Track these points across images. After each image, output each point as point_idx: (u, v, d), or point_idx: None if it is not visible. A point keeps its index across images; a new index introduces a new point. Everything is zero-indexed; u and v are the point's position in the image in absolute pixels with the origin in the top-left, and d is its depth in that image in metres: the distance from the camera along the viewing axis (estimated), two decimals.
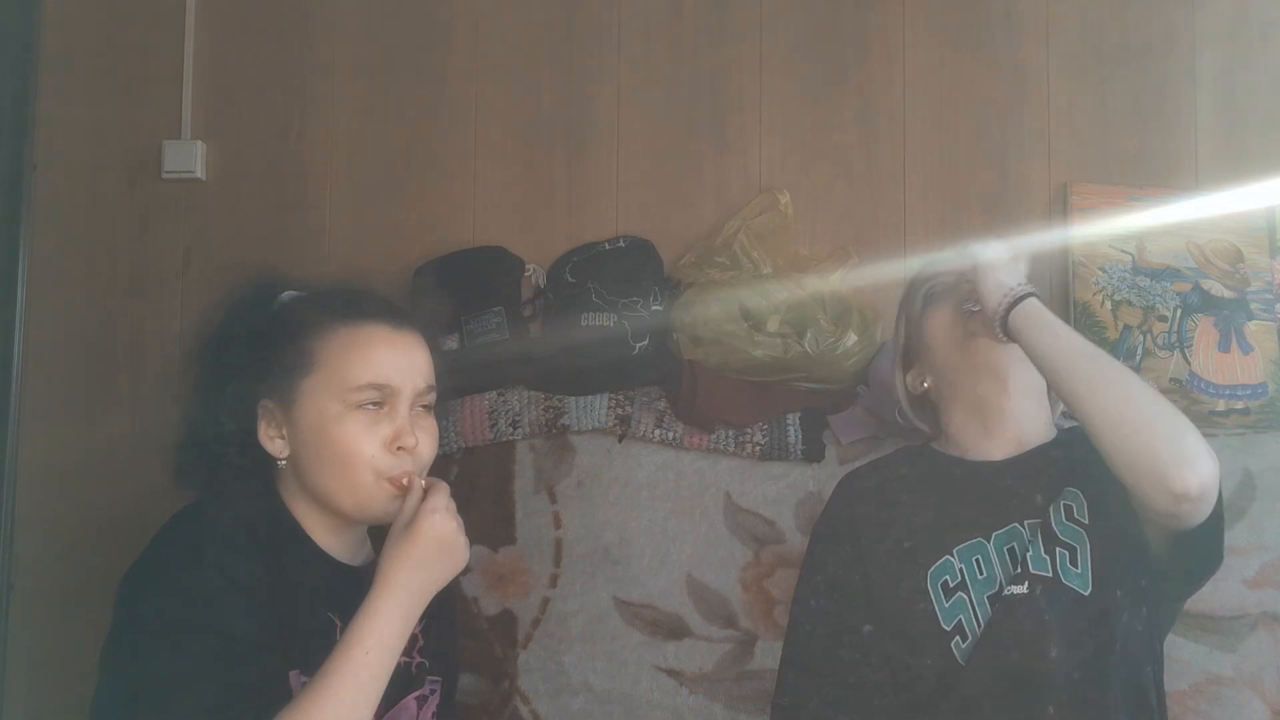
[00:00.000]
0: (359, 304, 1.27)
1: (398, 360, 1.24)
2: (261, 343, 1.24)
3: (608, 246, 1.89)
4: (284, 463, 1.24)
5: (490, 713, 1.81)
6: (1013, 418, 1.38)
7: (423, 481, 1.21)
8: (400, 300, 1.40)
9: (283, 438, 1.23)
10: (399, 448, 1.21)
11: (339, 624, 1.20)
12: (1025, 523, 1.32)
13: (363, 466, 1.20)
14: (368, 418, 1.21)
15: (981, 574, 1.31)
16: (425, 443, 1.24)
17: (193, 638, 1.09)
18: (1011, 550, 1.31)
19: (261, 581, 1.14)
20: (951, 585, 1.30)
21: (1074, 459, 1.33)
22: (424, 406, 1.27)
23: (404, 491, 1.21)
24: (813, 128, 1.95)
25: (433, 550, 1.15)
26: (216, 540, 1.15)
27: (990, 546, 1.32)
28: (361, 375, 1.21)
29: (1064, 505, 1.30)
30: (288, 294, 1.31)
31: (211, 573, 1.12)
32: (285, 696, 1.11)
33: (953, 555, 1.32)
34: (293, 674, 1.15)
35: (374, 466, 1.20)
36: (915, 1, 1.95)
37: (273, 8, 2.04)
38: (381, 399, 1.22)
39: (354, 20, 2.03)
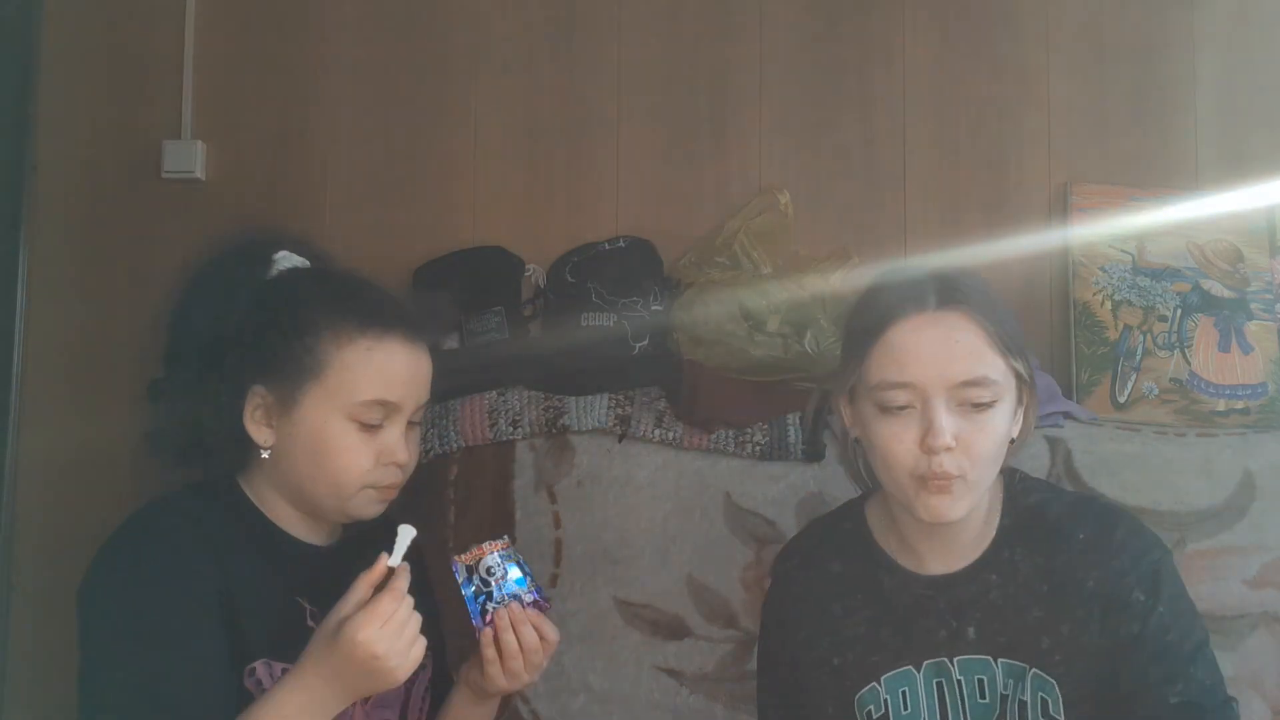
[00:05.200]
0: (379, 310, 1.23)
1: (408, 378, 1.22)
2: (267, 329, 1.19)
3: (608, 246, 1.89)
4: (267, 454, 1.20)
5: None
6: (936, 531, 1.26)
7: (393, 562, 1.11)
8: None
9: (271, 428, 1.20)
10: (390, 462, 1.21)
11: (308, 609, 1.20)
12: (955, 660, 1.25)
13: (354, 481, 1.20)
14: (366, 431, 1.20)
15: (906, 709, 1.26)
16: (412, 457, 1.25)
17: (133, 654, 1.08)
18: (940, 685, 1.25)
19: (210, 584, 1.13)
20: (875, 717, 1.27)
21: (1016, 595, 1.23)
22: (414, 421, 1.26)
23: (387, 498, 1.22)
24: (813, 128, 1.95)
25: (354, 667, 1.06)
26: (162, 549, 1.14)
27: (919, 678, 1.26)
28: (371, 391, 1.19)
29: (1040, 699, 1.22)
30: (284, 255, 1.25)
31: (154, 588, 1.11)
32: (230, 700, 1.10)
33: (879, 684, 1.26)
34: (260, 663, 1.14)
35: (365, 481, 1.20)
36: (916, 1, 1.95)
37: (273, 8, 2.04)
38: (385, 415, 1.21)
39: (354, 20, 2.03)
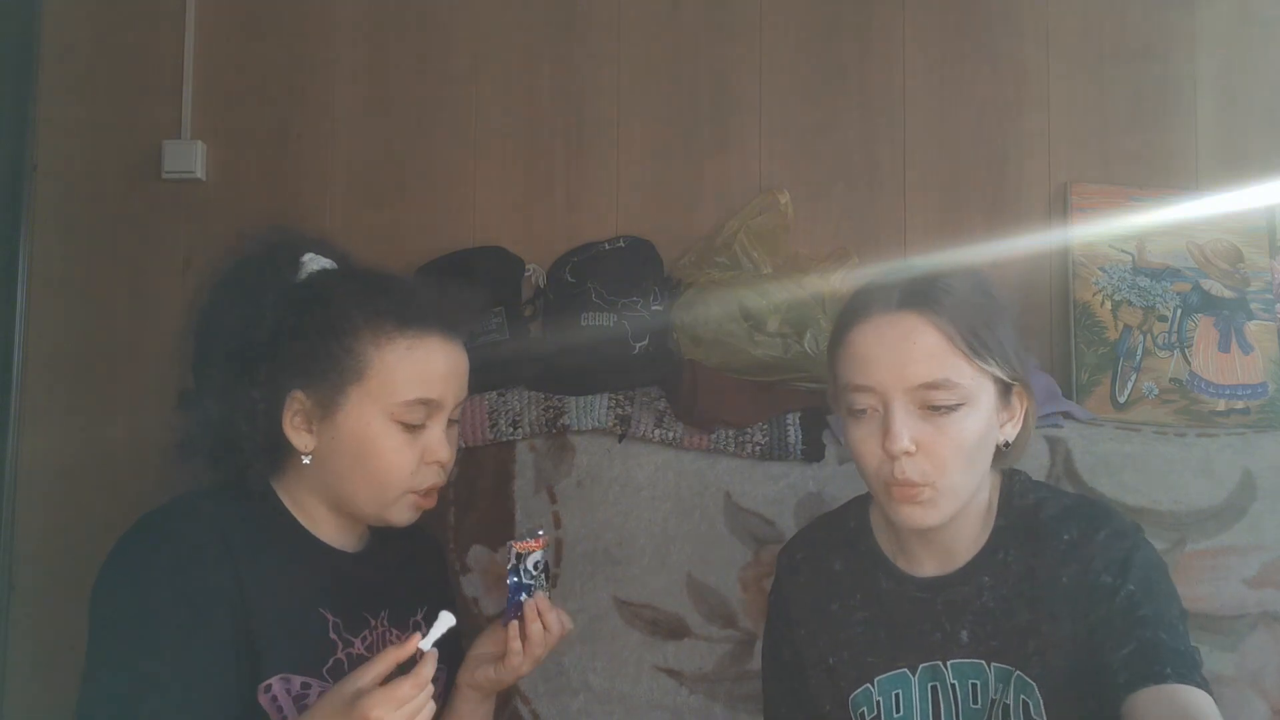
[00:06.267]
0: (416, 307, 1.21)
1: (448, 374, 1.21)
2: (304, 332, 1.17)
3: (608, 246, 1.89)
4: (308, 459, 1.19)
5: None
6: (930, 533, 1.24)
7: (424, 644, 1.08)
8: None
9: (311, 432, 1.18)
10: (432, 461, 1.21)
11: (330, 620, 1.19)
12: (948, 663, 1.23)
13: (398, 483, 1.19)
14: (409, 431, 1.18)
15: (899, 711, 1.25)
16: (452, 455, 1.24)
17: (127, 660, 1.08)
18: (934, 689, 1.24)
19: (221, 591, 1.11)
20: (868, 718, 1.26)
21: (1007, 595, 1.22)
22: (453, 419, 1.25)
23: (422, 509, 1.22)
24: (813, 128, 1.95)
25: None
26: (171, 553, 1.12)
27: (914, 681, 1.25)
28: (413, 390, 1.18)
29: (1022, 701, 1.19)
30: (311, 258, 1.23)
31: (156, 593, 1.09)
32: (226, 712, 1.09)
33: (873, 685, 1.26)
34: (276, 679, 1.13)
35: (409, 484, 1.20)
36: (915, 2, 1.95)
37: (273, 8, 2.04)
38: (427, 414, 1.19)
39: (354, 20, 2.03)
